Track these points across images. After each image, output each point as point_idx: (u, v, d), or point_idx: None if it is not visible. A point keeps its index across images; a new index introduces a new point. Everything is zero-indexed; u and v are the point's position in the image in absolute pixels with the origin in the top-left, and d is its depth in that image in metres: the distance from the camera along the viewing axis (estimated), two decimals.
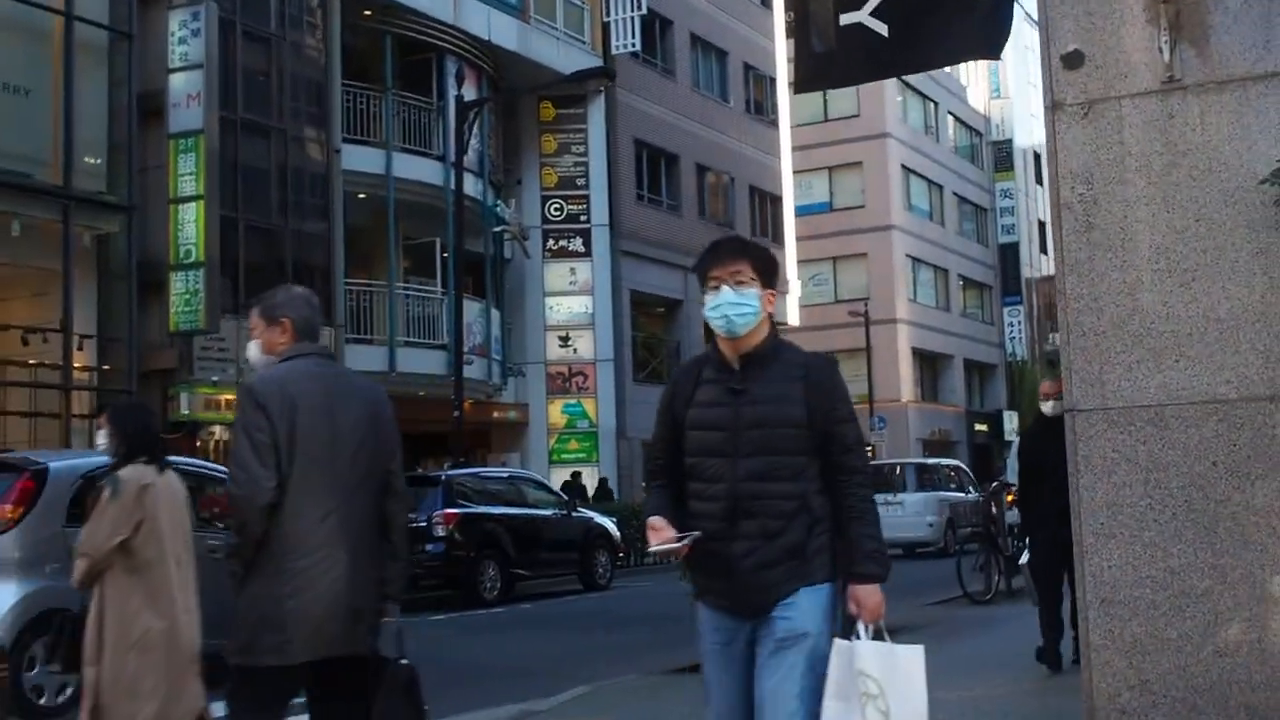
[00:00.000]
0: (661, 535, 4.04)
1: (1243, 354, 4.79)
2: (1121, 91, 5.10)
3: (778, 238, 42.02)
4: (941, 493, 26.96)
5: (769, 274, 4.27)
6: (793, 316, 42.78)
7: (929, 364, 54.02)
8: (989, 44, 6.44)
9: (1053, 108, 5.27)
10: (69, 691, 8.88)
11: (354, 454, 4.61)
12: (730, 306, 4.16)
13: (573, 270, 33.26)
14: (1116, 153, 5.04)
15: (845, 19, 6.24)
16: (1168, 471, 4.88)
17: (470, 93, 28.27)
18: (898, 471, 27.93)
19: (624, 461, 32.66)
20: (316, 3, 25.15)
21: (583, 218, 33.43)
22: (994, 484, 16.80)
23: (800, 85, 6.96)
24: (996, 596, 15.53)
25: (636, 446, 34.06)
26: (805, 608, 4.00)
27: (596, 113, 33.65)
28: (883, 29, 6.15)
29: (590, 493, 28.91)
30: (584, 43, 32.52)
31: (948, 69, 57.24)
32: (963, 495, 26.60)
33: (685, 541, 4.01)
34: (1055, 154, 5.16)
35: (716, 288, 4.21)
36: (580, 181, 33.55)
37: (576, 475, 29.92)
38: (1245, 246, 4.82)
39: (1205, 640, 4.78)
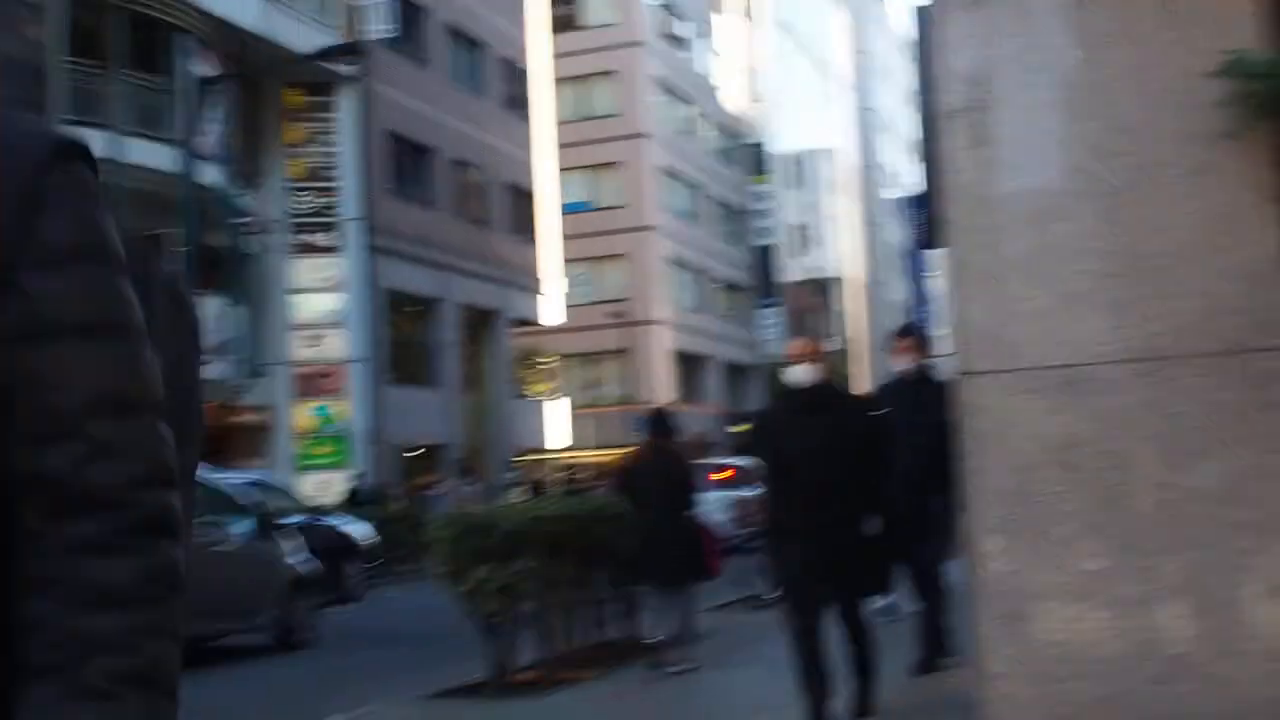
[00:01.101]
0: None
1: (1179, 299, 3.78)
2: None
3: (533, 238, 40.93)
4: (736, 492, 26.49)
5: None
6: (547, 318, 41.75)
7: (688, 366, 53.67)
8: None
9: None
10: None
11: None
12: None
13: (321, 266, 31.47)
14: (1017, 46, 3.98)
15: None
16: (1086, 449, 3.84)
17: (209, 73, 26.28)
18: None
19: (380, 467, 31.00)
20: None
21: (332, 211, 31.68)
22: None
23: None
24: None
25: (392, 450, 32.46)
26: None
27: (347, 102, 31.96)
28: None
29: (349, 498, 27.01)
30: (332, 28, 30.74)
31: (705, 69, 57.11)
32: (750, 493, 26.18)
33: None
34: (938, 50, 4.08)
35: None
36: (330, 173, 31.80)
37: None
38: (1180, 163, 3.81)
39: (1139, 664, 3.75)
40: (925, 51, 10.47)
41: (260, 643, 13.44)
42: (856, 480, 6.57)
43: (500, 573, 9.02)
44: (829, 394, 7.11)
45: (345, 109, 31.82)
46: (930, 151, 10.44)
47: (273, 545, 13.95)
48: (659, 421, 10.70)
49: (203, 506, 11.98)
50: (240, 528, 13.41)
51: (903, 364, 8.65)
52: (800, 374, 6.92)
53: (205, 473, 13.19)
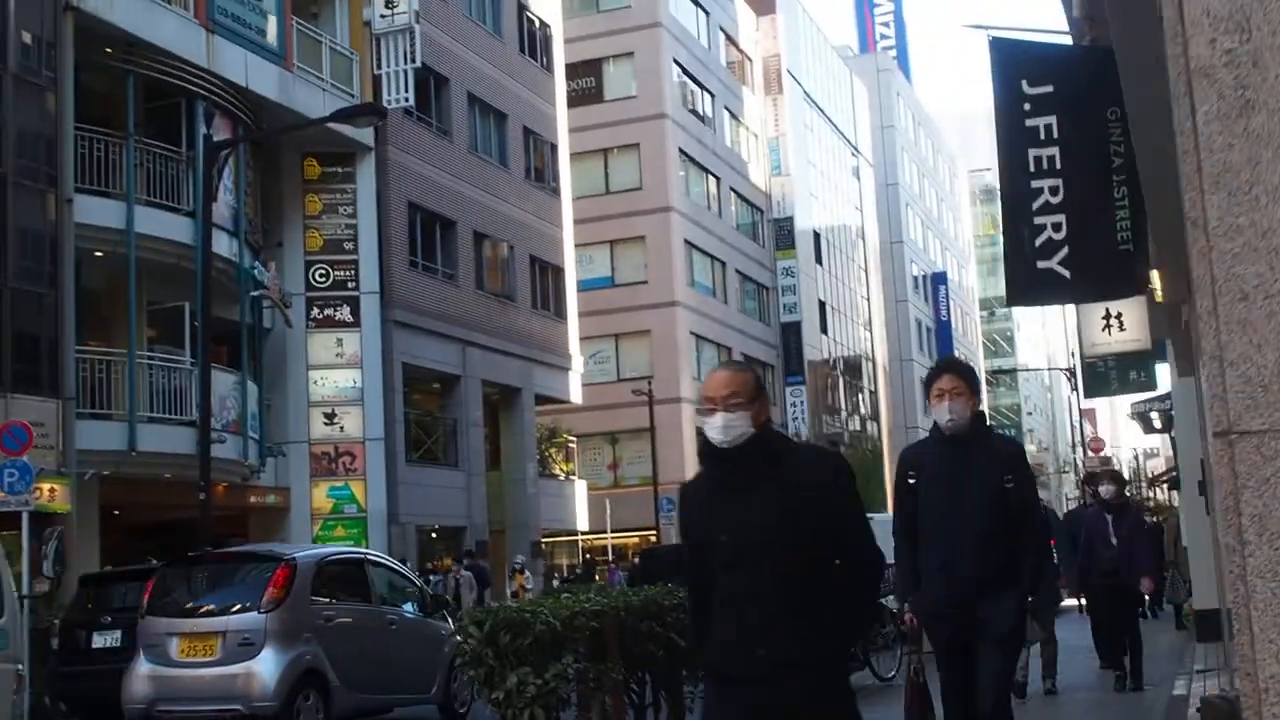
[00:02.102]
0: None
1: None
2: None
3: (560, 311, 39.94)
4: None
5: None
6: (574, 394, 40.63)
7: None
8: (1137, 285, 10.09)
9: None
10: None
11: None
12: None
13: (340, 341, 30.45)
14: None
15: (1040, 264, 9.30)
16: None
17: (224, 139, 25.40)
18: None
19: (396, 549, 29.78)
20: (45, 35, 22.14)
21: (350, 285, 30.70)
22: None
23: (1011, 301, 10.41)
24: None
25: (410, 532, 31.26)
26: None
27: (366, 172, 31.10)
28: (1066, 273, 9.25)
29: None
30: (352, 95, 29.94)
31: (729, 142, 56.43)
32: None
33: None
34: None
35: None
36: (348, 245, 30.87)
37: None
38: None
39: None
40: (1002, 82, 9.61)
41: (429, 714, 14.81)
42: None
43: (537, 677, 7.85)
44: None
45: (364, 179, 30.93)
46: (1012, 193, 9.44)
47: (438, 622, 15.28)
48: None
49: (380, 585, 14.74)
50: (409, 606, 15.10)
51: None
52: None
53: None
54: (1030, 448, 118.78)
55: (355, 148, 30.51)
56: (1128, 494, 13.68)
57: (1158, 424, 23.16)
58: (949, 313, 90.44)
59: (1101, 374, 18.64)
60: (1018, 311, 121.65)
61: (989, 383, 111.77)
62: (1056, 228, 9.17)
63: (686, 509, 4.36)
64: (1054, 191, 9.26)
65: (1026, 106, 9.51)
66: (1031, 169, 9.38)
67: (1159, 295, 10.25)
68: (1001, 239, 9.94)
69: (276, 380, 29.55)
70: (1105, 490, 13.07)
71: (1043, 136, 9.43)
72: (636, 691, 9.50)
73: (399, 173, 32.17)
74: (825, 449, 4.79)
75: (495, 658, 7.83)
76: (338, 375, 30.48)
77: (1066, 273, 9.14)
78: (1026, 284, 9.38)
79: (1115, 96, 9.34)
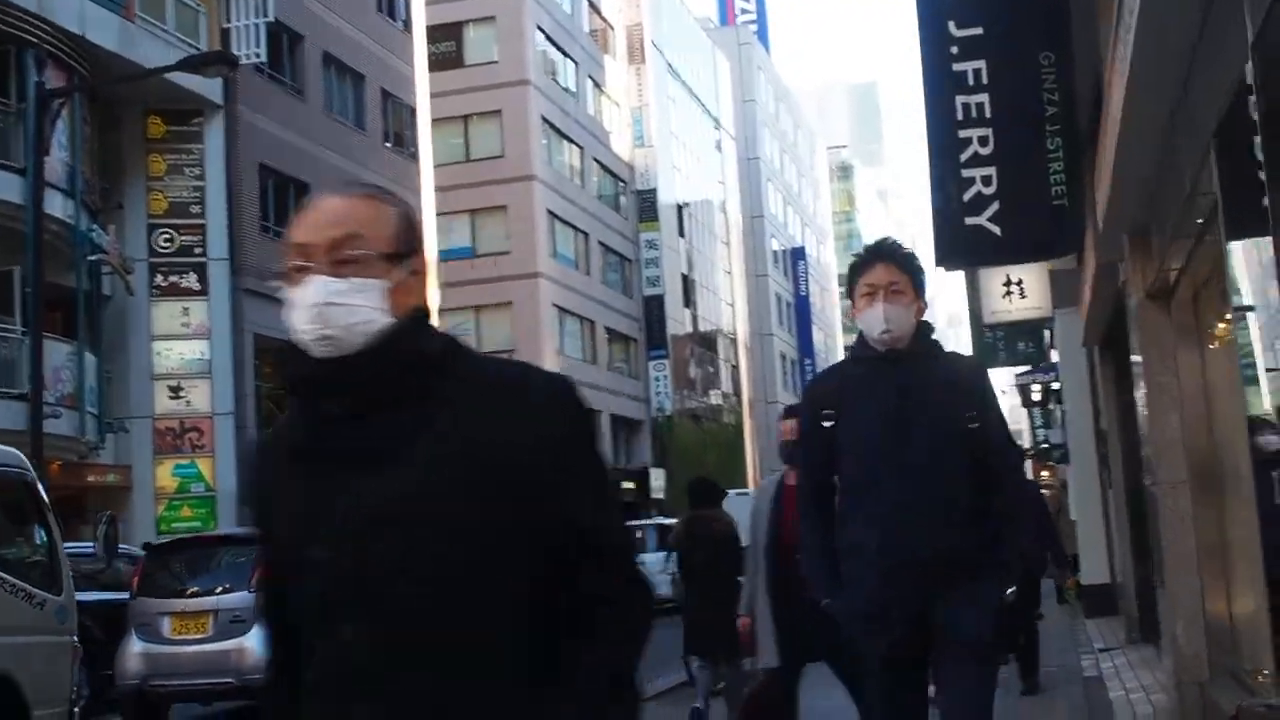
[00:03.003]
0: None
1: None
2: None
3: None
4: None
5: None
6: None
7: None
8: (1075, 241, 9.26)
9: None
10: None
11: None
12: None
13: (186, 310, 28.84)
14: None
15: (969, 220, 8.41)
16: None
17: (58, 89, 23.65)
18: (639, 535, 28.72)
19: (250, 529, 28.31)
20: None
21: (198, 250, 29.10)
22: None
23: (939, 261, 9.15)
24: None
25: None
26: None
27: (215, 131, 29.46)
28: (996, 230, 8.34)
29: None
30: (199, 49, 28.24)
31: (592, 111, 55.39)
32: None
33: None
34: None
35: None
36: (195, 209, 29.24)
37: None
38: None
39: None
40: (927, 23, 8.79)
41: None
42: None
43: None
44: None
45: (213, 138, 29.30)
46: (938, 143, 8.60)
47: None
48: (705, 490, 10.79)
49: None
50: None
51: None
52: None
53: None
54: None
55: (203, 105, 28.85)
56: None
57: (1037, 397, 22.66)
58: (808, 288, 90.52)
59: (989, 344, 18.06)
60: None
61: None
62: (986, 181, 8.36)
63: None
64: (984, 142, 8.44)
65: (954, 50, 8.66)
66: (960, 117, 8.56)
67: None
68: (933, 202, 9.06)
69: (117, 351, 27.82)
70: None
71: (971, 82, 8.60)
72: None
73: (250, 133, 30.53)
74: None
75: None
76: (184, 346, 28.86)
77: (997, 230, 8.37)
78: (954, 243, 8.58)
79: (1050, 39, 8.57)
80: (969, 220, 8.31)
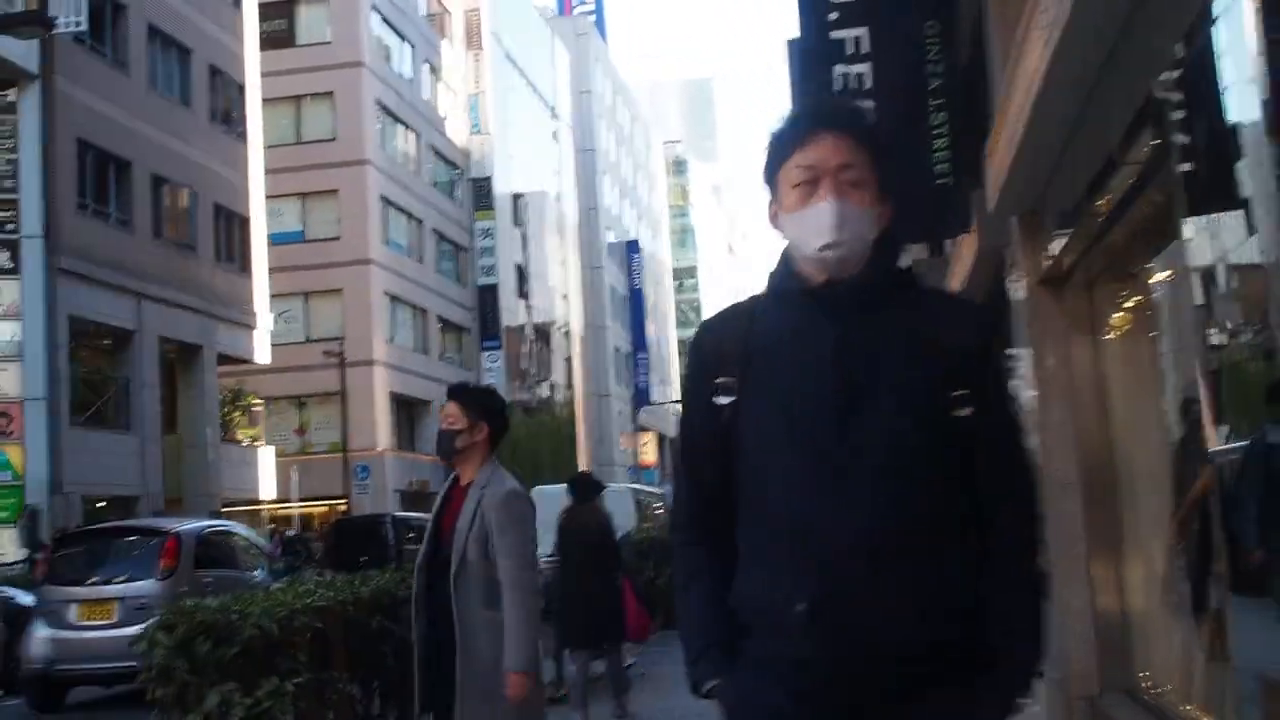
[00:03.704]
0: None
1: None
2: None
3: (246, 265, 37.25)
4: None
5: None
6: (261, 354, 38.01)
7: (406, 410, 50.39)
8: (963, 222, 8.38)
9: None
10: None
11: None
12: None
13: None
14: None
15: None
16: None
17: None
18: None
19: (58, 520, 26.87)
20: None
21: (9, 227, 27.58)
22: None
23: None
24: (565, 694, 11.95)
25: (76, 501, 28.32)
26: None
27: (30, 103, 27.94)
28: None
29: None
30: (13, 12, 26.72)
31: (427, 96, 54.34)
32: None
33: None
34: None
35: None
36: (7, 183, 27.72)
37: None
38: None
39: None
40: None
41: None
42: None
43: (246, 695, 6.11)
44: None
45: (28, 110, 27.78)
46: None
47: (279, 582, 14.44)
48: (585, 484, 11.20)
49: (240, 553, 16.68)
50: (259, 571, 16.49)
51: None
52: None
53: None
54: None
55: (17, 75, 27.36)
56: None
57: None
58: (642, 281, 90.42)
59: None
60: (704, 280, 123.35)
61: (681, 352, 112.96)
62: None
63: None
64: None
65: (833, 16, 8.21)
66: (838, 88, 8.09)
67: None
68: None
69: None
70: None
71: (850, 51, 8.15)
72: (361, 703, 7.81)
73: (67, 106, 29.00)
74: None
75: (191, 672, 6.04)
76: None
77: None
78: None
79: (935, 7, 8.17)
80: None
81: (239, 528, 18.68)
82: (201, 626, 6.11)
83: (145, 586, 13.80)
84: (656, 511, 26.49)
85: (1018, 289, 7.64)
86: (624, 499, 24.72)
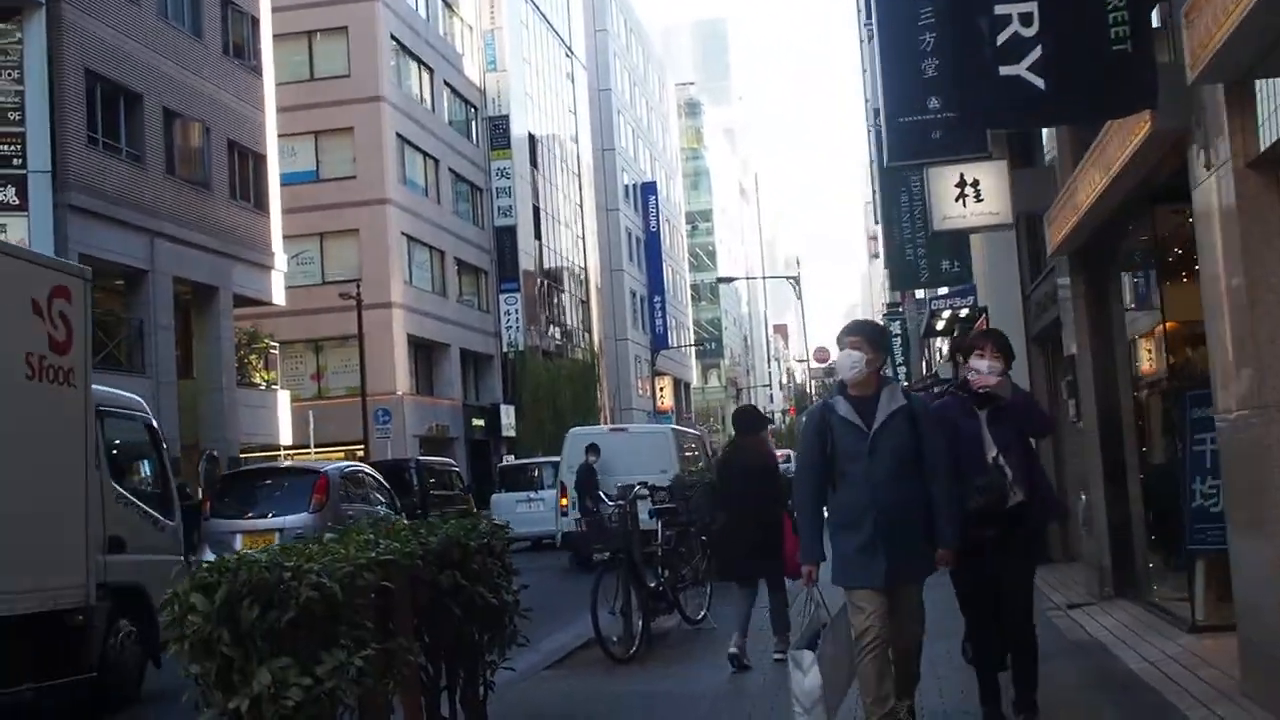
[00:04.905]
0: None
1: None
2: None
3: (261, 203, 35.97)
4: None
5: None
6: (278, 296, 36.82)
7: (425, 353, 49.25)
8: (1142, 94, 6.91)
9: None
10: None
11: None
12: None
13: (3, 227, 26.06)
14: None
15: (1004, 70, 6.85)
16: None
17: None
18: (535, 473, 29.79)
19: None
20: None
21: (16, 161, 26.33)
22: (636, 486, 12.11)
23: (967, 122, 9.01)
24: (641, 653, 10.85)
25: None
26: None
27: (35, 31, 26.60)
28: (1040, 83, 6.80)
29: None
30: None
31: (442, 32, 52.91)
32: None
33: None
34: None
35: None
36: (13, 116, 26.42)
37: None
38: None
39: None
40: None
41: None
42: None
43: (303, 674, 4.95)
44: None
45: (33, 38, 26.45)
46: None
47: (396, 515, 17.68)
48: (751, 417, 11.05)
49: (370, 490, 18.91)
50: (381, 507, 18.58)
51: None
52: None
53: None
54: (724, 362, 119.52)
55: (22, 1, 26.03)
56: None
57: (940, 326, 20.95)
58: (658, 224, 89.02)
59: (910, 264, 16.44)
60: (719, 224, 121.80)
61: (694, 297, 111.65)
62: (1026, 20, 6.72)
63: None
64: None
65: None
66: None
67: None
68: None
69: None
70: (985, 367, 7.07)
71: None
72: (429, 672, 6.67)
73: (75, 34, 27.68)
74: None
75: (235, 643, 4.89)
76: None
77: (1040, 82, 6.71)
78: (984, 99, 6.88)
79: None
80: (1004, 70, 6.65)
81: (366, 468, 20.24)
82: (248, 586, 4.95)
83: (301, 519, 15.39)
84: (690, 454, 25.05)
85: (1213, 176, 6.39)
86: (665, 439, 24.03)
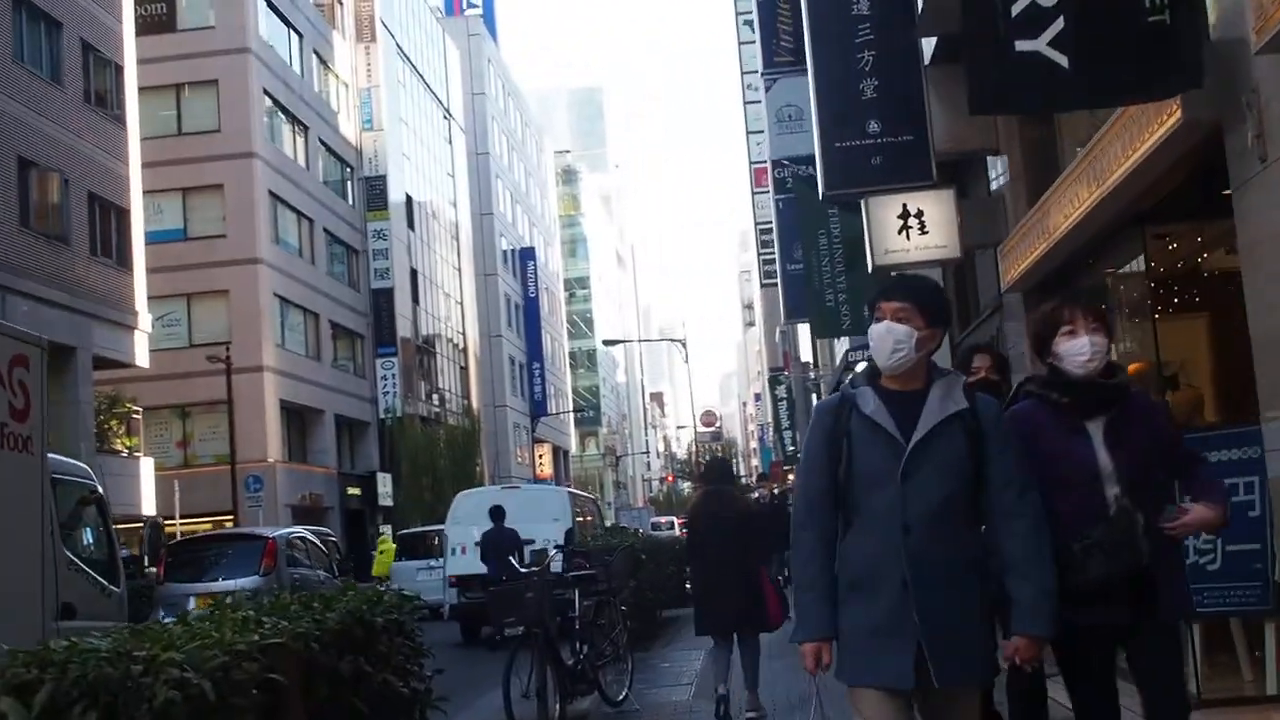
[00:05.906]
0: None
1: None
2: None
3: (124, 260, 34.06)
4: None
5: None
6: (141, 358, 34.84)
7: (298, 420, 47.33)
8: (1185, 73, 5.86)
9: None
10: None
11: None
12: None
13: None
14: None
15: (1020, 46, 5.90)
16: None
17: None
18: (435, 540, 27.57)
19: None
20: None
21: None
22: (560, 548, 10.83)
23: (976, 106, 6.61)
24: None
25: None
26: None
27: None
28: (1062, 59, 5.85)
29: None
30: None
31: (317, 89, 51.47)
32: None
33: None
34: None
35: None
36: None
37: None
38: None
39: None
40: None
41: None
42: None
43: None
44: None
45: None
46: None
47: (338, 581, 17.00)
48: (722, 468, 10.88)
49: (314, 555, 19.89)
50: (321, 572, 19.02)
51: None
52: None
53: None
54: (603, 430, 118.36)
55: None
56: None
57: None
58: (537, 290, 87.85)
59: (831, 310, 15.38)
60: (596, 290, 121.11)
61: (572, 364, 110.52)
62: None
63: None
64: None
65: None
66: None
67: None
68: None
69: None
70: (1086, 345, 4.66)
71: None
72: None
73: None
74: None
75: None
76: None
77: (1063, 59, 5.68)
78: (998, 77, 5.82)
79: None
80: (1021, 45, 5.59)
81: (309, 534, 20.65)
82: (81, 686, 3.59)
83: (252, 581, 16.04)
84: (585, 518, 24.19)
85: (1267, 170, 5.36)
86: (560, 495, 24.31)
